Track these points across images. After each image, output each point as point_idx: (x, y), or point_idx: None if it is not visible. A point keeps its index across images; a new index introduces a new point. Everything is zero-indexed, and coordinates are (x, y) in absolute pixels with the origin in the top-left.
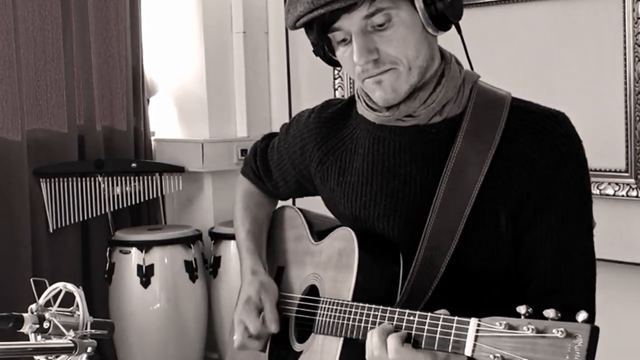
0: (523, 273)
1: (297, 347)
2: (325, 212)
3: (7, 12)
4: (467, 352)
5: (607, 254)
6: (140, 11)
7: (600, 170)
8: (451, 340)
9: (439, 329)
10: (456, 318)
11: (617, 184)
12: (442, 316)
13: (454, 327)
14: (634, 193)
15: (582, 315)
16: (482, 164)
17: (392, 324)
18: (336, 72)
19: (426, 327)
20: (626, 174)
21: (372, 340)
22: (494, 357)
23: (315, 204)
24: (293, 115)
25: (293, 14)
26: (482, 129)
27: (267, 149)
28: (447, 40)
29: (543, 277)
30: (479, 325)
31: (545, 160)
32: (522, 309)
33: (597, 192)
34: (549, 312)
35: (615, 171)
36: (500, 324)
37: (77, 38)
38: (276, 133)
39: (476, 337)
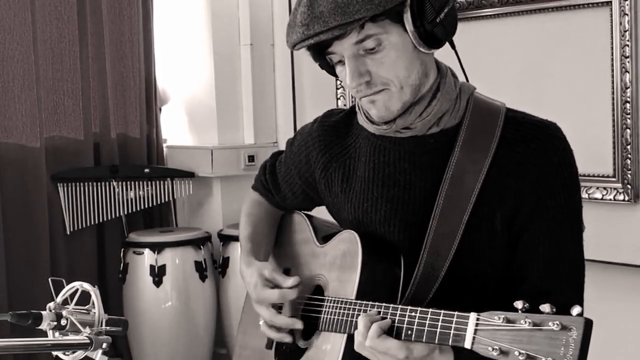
0: (517, 276)
1: (302, 344)
2: (329, 218)
3: (27, 25)
4: (467, 344)
5: (596, 255)
6: (153, 24)
7: (589, 176)
8: (451, 334)
9: (439, 324)
10: (456, 313)
11: (605, 188)
12: (442, 311)
13: (454, 322)
14: (621, 197)
15: (576, 309)
16: (479, 172)
17: (380, 313)
18: (338, 82)
19: (427, 322)
20: (613, 179)
21: (358, 327)
22: (493, 349)
23: (320, 213)
24: (297, 123)
25: (290, 40)
26: (478, 139)
27: (276, 164)
28: (445, 51)
29: (535, 280)
30: (478, 319)
31: (538, 169)
32: (519, 304)
33: (586, 196)
34: (545, 307)
35: (603, 176)
36: (499, 318)
37: (93, 50)
38: (283, 150)
39: (475, 330)
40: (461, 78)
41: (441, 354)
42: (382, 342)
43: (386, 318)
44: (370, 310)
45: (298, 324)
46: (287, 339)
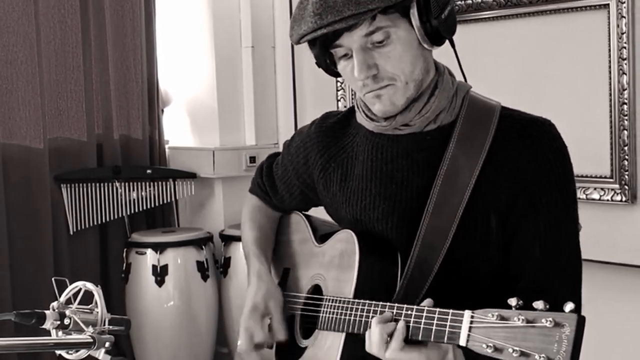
0: (512, 273)
1: (302, 343)
2: (327, 218)
3: (31, 28)
4: (462, 342)
5: (593, 255)
6: (155, 26)
7: (587, 176)
8: (447, 332)
9: (435, 322)
10: (451, 311)
11: (602, 189)
12: (438, 309)
13: (449, 320)
14: (618, 197)
15: (569, 306)
16: (473, 169)
17: (377, 312)
18: (339, 84)
19: (423, 320)
20: (611, 180)
21: (373, 337)
22: (487, 346)
23: (318, 213)
24: (298, 124)
25: (297, 32)
26: (473, 136)
27: (272, 166)
28: (443, 53)
29: (531, 277)
30: (472, 317)
31: (532, 166)
32: (513, 301)
33: (584, 196)
34: (538, 304)
35: (601, 177)
36: (493, 315)
37: (96, 52)
38: (279, 152)
39: (470, 328)
40: (459, 77)
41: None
42: (405, 354)
43: (398, 319)
44: (366, 309)
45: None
46: None
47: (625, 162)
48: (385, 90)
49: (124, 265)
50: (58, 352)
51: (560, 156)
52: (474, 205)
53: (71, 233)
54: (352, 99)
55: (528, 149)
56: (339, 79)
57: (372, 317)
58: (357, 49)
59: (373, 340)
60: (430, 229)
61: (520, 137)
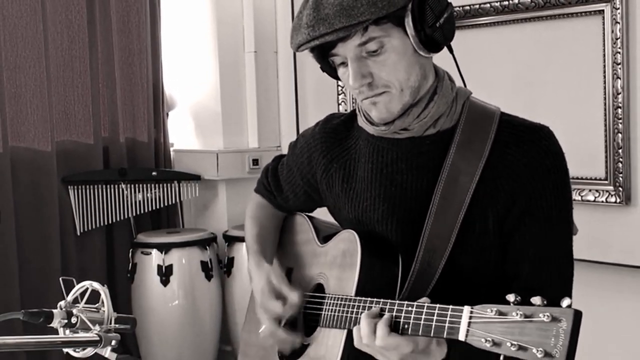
0: (509, 274)
1: (304, 340)
2: (330, 219)
3: (38, 33)
4: (461, 337)
5: (588, 255)
6: (160, 32)
7: (582, 179)
8: (446, 327)
9: (435, 317)
10: (451, 307)
11: (597, 191)
12: (438, 305)
13: (448, 315)
14: (613, 199)
15: (566, 302)
16: (473, 173)
17: (379, 310)
18: (339, 88)
19: (423, 316)
20: (605, 182)
21: (362, 329)
22: (486, 341)
23: (322, 214)
24: (300, 127)
25: (294, 41)
26: (473, 141)
27: (278, 167)
28: (443, 58)
29: (526, 278)
30: (471, 312)
31: (529, 170)
32: (511, 297)
33: (579, 198)
34: (536, 299)
35: (596, 179)
36: (491, 311)
37: (103, 57)
38: (284, 154)
39: (469, 323)
40: (458, 82)
41: (438, 345)
42: (392, 340)
43: (384, 314)
44: (368, 306)
45: (298, 340)
46: (286, 345)
47: (620, 165)
48: (381, 97)
49: (130, 265)
50: (65, 350)
51: (557, 162)
52: (473, 209)
53: (78, 234)
54: (353, 102)
55: (526, 154)
56: (339, 82)
57: None
58: (352, 58)
59: (363, 333)
60: (432, 233)
61: (519, 142)
